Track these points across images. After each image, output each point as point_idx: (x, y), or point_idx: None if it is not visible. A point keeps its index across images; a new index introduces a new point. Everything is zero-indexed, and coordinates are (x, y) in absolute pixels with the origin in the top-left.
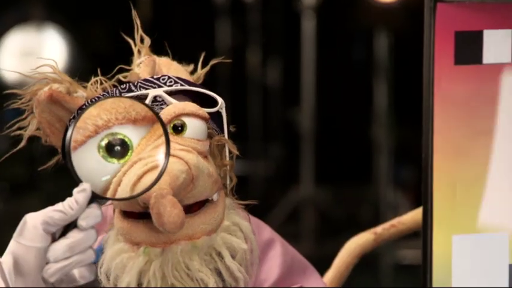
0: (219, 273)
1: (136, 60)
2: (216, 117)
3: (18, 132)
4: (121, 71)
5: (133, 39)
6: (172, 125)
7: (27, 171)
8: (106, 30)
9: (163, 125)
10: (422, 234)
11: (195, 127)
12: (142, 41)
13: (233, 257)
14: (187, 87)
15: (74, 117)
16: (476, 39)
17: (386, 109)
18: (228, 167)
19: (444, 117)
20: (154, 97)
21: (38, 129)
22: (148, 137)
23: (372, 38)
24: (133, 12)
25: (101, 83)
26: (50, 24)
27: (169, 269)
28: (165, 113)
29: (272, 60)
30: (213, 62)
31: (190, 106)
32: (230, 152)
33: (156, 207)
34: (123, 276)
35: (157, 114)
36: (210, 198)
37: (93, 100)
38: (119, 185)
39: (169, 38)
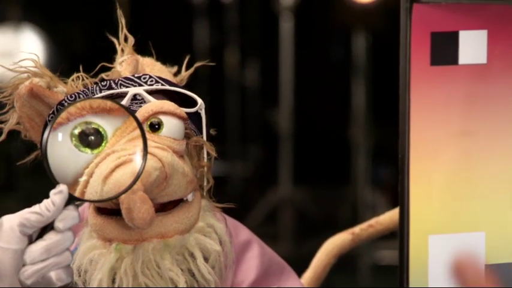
0: (193, 274)
1: (119, 58)
2: (195, 118)
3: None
4: (103, 69)
5: (116, 39)
6: (149, 123)
7: (3, 172)
8: (84, 30)
9: (141, 127)
10: (399, 234)
11: (171, 126)
12: (126, 40)
13: (206, 259)
14: (167, 87)
15: (53, 113)
16: (452, 40)
17: (364, 109)
18: (205, 168)
19: (420, 118)
20: (134, 95)
21: (18, 123)
22: (123, 128)
23: (350, 38)
24: (119, 12)
25: (82, 80)
26: (28, 24)
27: (140, 266)
28: (143, 111)
29: (250, 61)
30: (197, 64)
31: (168, 105)
32: (208, 154)
33: (126, 202)
34: (95, 273)
35: (134, 116)
36: (184, 198)
37: (73, 96)
38: (91, 176)
39: (147, 39)
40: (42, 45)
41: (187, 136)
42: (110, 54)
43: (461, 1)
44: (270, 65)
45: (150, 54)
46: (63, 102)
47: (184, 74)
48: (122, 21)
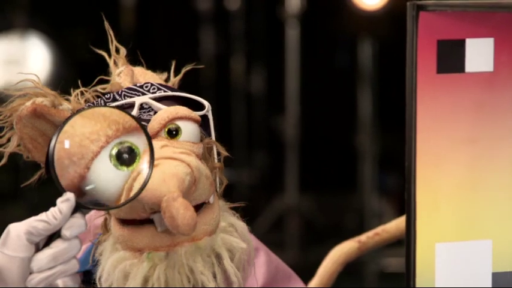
0: (215, 277)
1: (114, 70)
2: (202, 121)
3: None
4: (101, 81)
5: (117, 47)
6: (167, 130)
7: (10, 181)
8: (89, 38)
9: (148, 135)
10: (405, 242)
11: (189, 130)
12: (118, 51)
13: (231, 258)
14: (171, 93)
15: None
16: (458, 47)
17: (371, 117)
18: (218, 169)
19: (427, 126)
20: (141, 104)
21: (18, 145)
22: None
23: (356, 45)
24: (106, 24)
25: (82, 94)
26: (33, 32)
27: (175, 272)
28: (158, 118)
29: (256, 68)
30: (185, 69)
31: (183, 110)
32: (218, 155)
33: (169, 210)
34: (127, 283)
35: (140, 123)
36: (206, 201)
37: (79, 111)
38: (130, 190)
39: (153, 46)
40: (48, 53)
41: (200, 139)
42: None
43: (467, 9)
44: (276, 72)
45: (141, 64)
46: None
47: (174, 79)
48: (111, 33)
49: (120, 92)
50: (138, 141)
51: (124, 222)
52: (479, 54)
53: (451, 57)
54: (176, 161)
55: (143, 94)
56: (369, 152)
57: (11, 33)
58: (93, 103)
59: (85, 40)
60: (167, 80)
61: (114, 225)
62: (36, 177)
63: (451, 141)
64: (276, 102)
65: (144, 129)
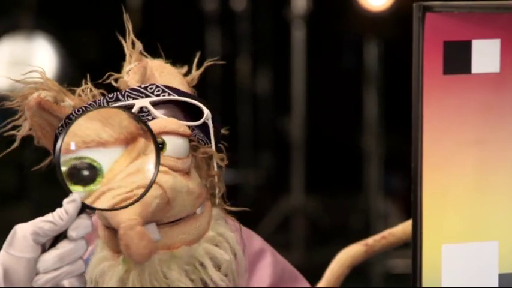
0: (205, 283)
1: (126, 67)
2: (203, 127)
3: (12, 132)
4: (111, 78)
5: (123, 48)
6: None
7: (16, 181)
8: (95, 39)
9: (153, 135)
10: (412, 244)
11: (175, 145)
12: (133, 45)
13: (219, 267)
14: (175, 97)
15: (62, 126)
16: (465, 48)
17: (377, 118)
18: (215, 177)
19: (433, 127)
20: (141, 108)
21: (30, 129)
22: (121, 160)
23: (362, 46)
24: (125, 16)
25: (91, 91)
26: (40, 33)
27: (148, 278)
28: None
29: (262, 69)
30: (207, 63)
31: (172, 124)
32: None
33: (124, 239)
34: (104, 284)
35: (147, 125)
36: (191, 213)
37: (80, 110)
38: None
39: (158, 47)
40: (55, 54)
41: (194, 148)
42: (120, 62)
43: (474, 10)
44: (281, 73)
45: (160, 56)
46: (71, 116)
47: (195, 73)
48: (129, 26)
49: (123, 93)
50: (102, 158)
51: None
52: (485, 55)
53: (457, 58)
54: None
55: (146, 96)
56: (375, 153)
57: (18, 34)
58: (95, 101)
59: (91, 41)
60: (187, 73)
61: (99, 225)
62: (47, 161)
63: (458, 143)
64: (282, 103)
65: (149, 129)
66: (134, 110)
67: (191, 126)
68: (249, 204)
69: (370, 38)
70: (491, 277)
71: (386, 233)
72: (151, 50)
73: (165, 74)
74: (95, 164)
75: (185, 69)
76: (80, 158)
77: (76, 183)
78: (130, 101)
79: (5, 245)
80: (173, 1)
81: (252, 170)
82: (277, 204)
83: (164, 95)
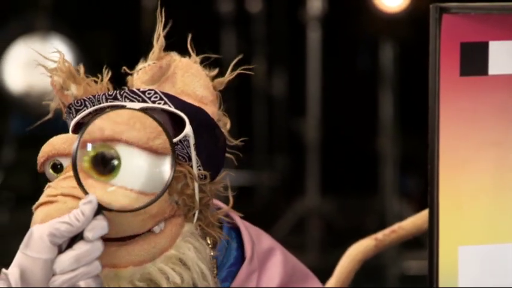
0: None
1: (141, 64)
2: (186, 143)
3: (48, 102)
4: (126, 74)
5: (140, 47)
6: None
7: (30, 182)
8: (110, 39)
9: (169, 136)
10: (428, 245)
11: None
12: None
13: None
14: (167, 107)
15: (68, 112)
16: (482, 50)
17: (392, 119)
18: (186, 196)
19: (450, 128)
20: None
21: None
22: (68, 168)
23: (377, 48)
24: (158, 10)
25: (96, 82)
26: (55, 34)
27: None
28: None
29: (277, 71)
30: (239, 70)
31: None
32: (206, 177)
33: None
34: None
35: (162, 126)
36: (140, 232)
37: (78, 102)
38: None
39: (174, 49)
40: (70, 55)
41: None
42: (134, 62)
43: (491, 12)
44: (297, 75)
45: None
46: (71, 106)
47: (226, 77)
48: (161, 19)
49: (122, 93)
50: (66, 160)
51: None
52: (502, 56)
53: (474, 60)
54: (73, 202)
55: (143, 100)
56: (390, 154)
57: (33, 36)
58: (94, 96)
59: (106, 42)
60: (216, 77)
61: None
62: (50, 115)
63: (474, 144)
64: (297, 104)
65: (165, 130)
66: None
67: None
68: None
69: (386, 39)
70: (508, 279)
71: (396, 226)
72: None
73: (189, 74)
74: (118, 159)
75: (215, 71)
76: (109, 147)
77: (96, 170)
78: (127, 102)
79: (21, 246)
80: (188, 2)
81: (267, 172)
82: (292, 206)
83: (160, 103)
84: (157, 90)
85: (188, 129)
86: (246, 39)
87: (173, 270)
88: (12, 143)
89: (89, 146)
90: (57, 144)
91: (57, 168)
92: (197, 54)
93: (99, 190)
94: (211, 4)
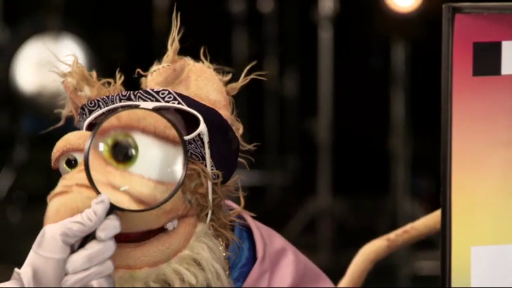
0: None
1: (154, 66)
2: (200, 142)
3: (59, 110)
4: (139, 76)
5: (152, 48)
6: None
7: (43, 182)
8: (122, 40)
9: (181, 136)
10: (441, 246)
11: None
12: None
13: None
14: (181, 106)
15: (81, 113)
16: (494, 50)
17: (404, 119)
18: (199, 195)
19: (462, 129)
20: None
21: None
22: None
23: (389, 48)
24: (174, 14)
25: (110, 85)
26: (67, 34)
27: None
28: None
29: (289, 71)
30: (253, 75)
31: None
32: (218, 177)
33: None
34: None
35: (175, 126)
36: (164, 227)
37: (92, 102)
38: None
39: (185, 49)
40: (82, 55)
41: None
42: (146, 63)
43: (504, 11)
44: (308, 75)
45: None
46: (84, 107)
47: (239, 83)
48: (177, 22)
49: (135, 93)
50: (79, 155)
51: None
52: None
53: (487, 60)
54: (88, 192)
55: (156, 100)
56: (402, 154)
57: (45, 36)
58: (107, 97)
59: (118, 42)
60: (229, 82)
61: None
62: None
63: (487, 145)
64: (309, 104)
65: (178, 130)
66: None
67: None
68: (276, 206)
69: (398, 39)
70: None
71: (408, 227)
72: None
73: (203, 78)
74: (135, 148)
75: (228, 77)
76: (127, 135)
77: (114, 158)
78: (140, 102)
79: (34, 246)
80: (200, 3)
81: (278, 172)
82: (304, 206)
83: (174, 103)
84: (171, 91)
85: (202, 127)
86: (257, 39)
87: (188, 271)
88: (24, 143)
89: (108, 134)
90: (72, 139)
91: (72, 164)
92: (209, 54)
93: (118, 178)
94: (223, 4)
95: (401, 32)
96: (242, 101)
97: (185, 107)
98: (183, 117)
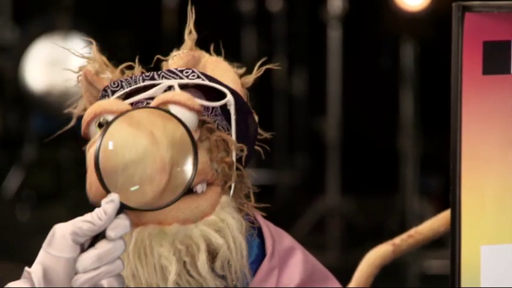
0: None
1: (174, 52)
2: (226, 115)
3: (70, 109)
4: (159, 61)
5: (159, 47)
6: None
7: (52, 180)
8: (132, 39)
9: (191, 135)
10: (450, 245)
11: (180, 116)
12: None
13: (214, 256)
14: (206, 82)
15: (103, 95)
16: (504, 49)
17: (413, 118)
18: (225, 164)
19: (472, 127)
20: (169, 87)
21: (84, 109)
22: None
23: (398, 47)
24: (189, 5)
25: (131, 69)
26: (76, 33)
27: (132, 250)
28: (155, 100)
29: (298, 70)
30: (266, 66)
31: (180, 96)
32: (242, 151)
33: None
34: None
35: (184, 125)
36: (193, 190)
37: (116, 83)
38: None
39: (196, 46)
40: (91, 54)
41: (210, 130)
42: (156, 61)
43: None
44: (317, 74)
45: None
46: (107, 88)
47: (252, 75)
48: (192, 14)
49: (159, 73)
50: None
51: None
52: None
53: (497, 59)
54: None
55: (180, 78)
56: (411, 153)
57: (55, 35)
58: (131, 77)
59: (127, 41)
60: (243, 75)
61: None
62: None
63: (497, 143)
64: (318, 103)
65: (187, 130)
66: (160, 87)
67: (210, 109)
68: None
69: (407, 39)
70: None
71: (413, 231)
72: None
73: (219, 69)
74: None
75: (243, 70)
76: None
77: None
78: (162, 81)
79: (44, 245)
80: (209, 1)
81: (287, 171)
82: (313, 205)
83: (198, 80)
84: (194, 69)
85: (229, 97)
86: (266, 38)
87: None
88: (33, 142)
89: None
90: (104, 104)
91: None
92: (218, 53)
93: None
94: (232, 3)
95: (411, 31)
96: (251, 100)
97: (210, 83)
98: (205, 96)
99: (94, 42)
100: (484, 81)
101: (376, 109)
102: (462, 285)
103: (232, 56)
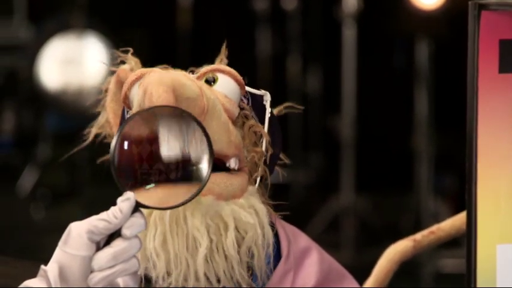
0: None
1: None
2: (260, 109)
3: (89, 130)
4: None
5: (174, 46)
6: (205, 79)
7: (67, 179)
8: (146, 38)
9: (206, 134)
10: (466, 244)
11: (226, 83)
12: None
13: (243, 237)
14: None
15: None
16: None
17: (427, 117)
18: (256, 154)
19: (488, 126)
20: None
21: (103, 126)
22: None
23: (413, 45)
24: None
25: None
26: (91, 32)
27: (168, 218)
28: (203, 69)
29: (312, 68)
30: (285, 105)
31: (225, 66)
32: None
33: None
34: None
35: (199, 123)
36: (227, 164)
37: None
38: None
39: (209, 46)
40: (106, 53)
41: (246, 116)
42: (171, 60)
43: None
44: (332, 73)
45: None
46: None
47: (278, 108)
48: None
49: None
50: None
51: None
52: None
53: None
54: (189, 81)
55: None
56: (425, 152)
57: (69, 34)
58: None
59: (142, 40)
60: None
61: None
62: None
63: None
64: (332, 102)
65: (203, 128)
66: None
67: (247, 101)
68: (299, 204)
69: (422, 37)
70: None
71: (434, 228)
72: (199, 54)
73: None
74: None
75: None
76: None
77: None
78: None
79: (60, 243)
80: (223, 0)
81: (302, 169)
82: (327, 204)
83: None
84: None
85: (266, 93)
86: (281, 36)
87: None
88: (48, 141)
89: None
90: (145, 70)
91: None
92: (233, 52)
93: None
94: (246, 2)
95: (425, 29)
96: None
97: (248, 88)
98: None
99: (131, 49)
100: (500, 79)
101: (390, 108)
102: (478, 285)
103: (247, 54)
